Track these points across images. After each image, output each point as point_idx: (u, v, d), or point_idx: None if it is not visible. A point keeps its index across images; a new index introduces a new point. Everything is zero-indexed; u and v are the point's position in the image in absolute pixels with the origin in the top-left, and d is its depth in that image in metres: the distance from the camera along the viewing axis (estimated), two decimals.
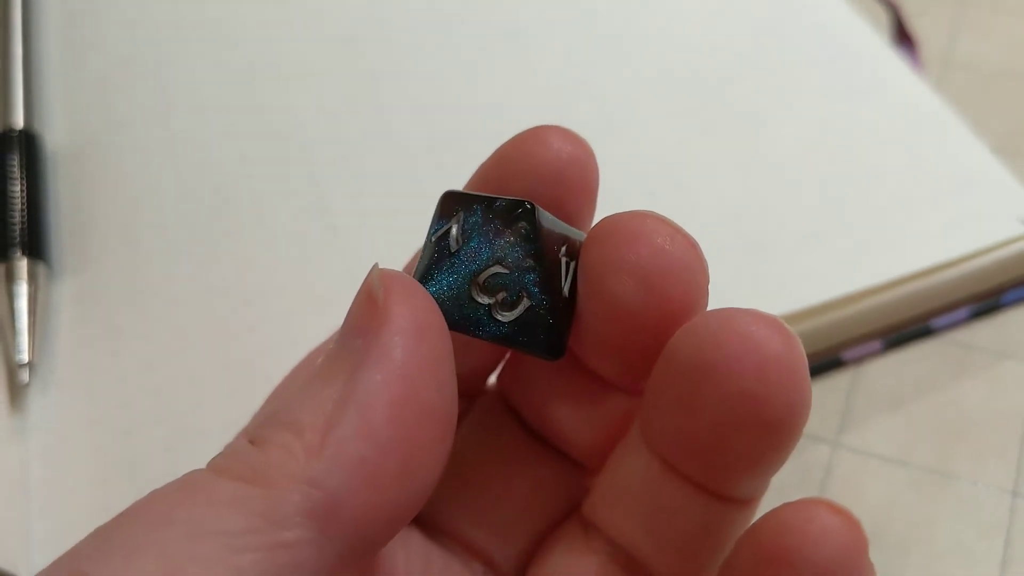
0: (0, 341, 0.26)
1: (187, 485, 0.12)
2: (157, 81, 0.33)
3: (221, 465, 0.12)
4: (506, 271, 0.14)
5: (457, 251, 0.14)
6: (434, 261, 0.15)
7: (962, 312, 0.28)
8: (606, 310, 0.14)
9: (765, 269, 0.27)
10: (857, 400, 0.27)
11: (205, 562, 0.11)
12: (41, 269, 0.27)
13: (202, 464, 0.25)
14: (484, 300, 0.14)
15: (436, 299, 0.14)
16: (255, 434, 0.12)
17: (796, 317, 0.26)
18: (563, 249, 0.15)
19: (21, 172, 0.29)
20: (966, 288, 0.28)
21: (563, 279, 0.15)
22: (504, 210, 0.14)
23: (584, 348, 0.15)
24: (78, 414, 0.25)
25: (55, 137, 0.31)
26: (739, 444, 0.13)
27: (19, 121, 0.30)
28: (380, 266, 0.13)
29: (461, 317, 0.14)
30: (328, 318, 0.27)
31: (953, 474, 0.25)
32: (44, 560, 0.23)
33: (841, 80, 0.33)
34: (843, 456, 0.26)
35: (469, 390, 0.18)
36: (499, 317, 0.14)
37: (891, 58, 0.34)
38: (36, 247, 0.27)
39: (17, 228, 0.27)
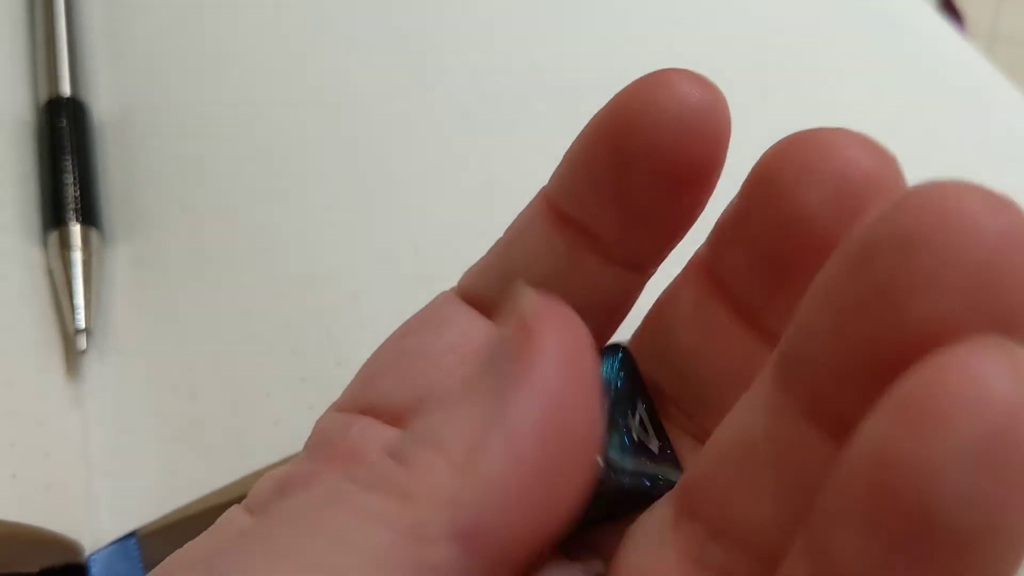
0: (56, 308, 0.26)
1: (332, 495, 0.12)
2: (203, 45, 0.33)
3: (364, 479, 0.12)
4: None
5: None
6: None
7: None
8: (787, 225, 0.13)
9: None
10: None
11: (349, 575, 0.11)
12: (94, 235, 0.27)
13: (266, 423, 0.24)
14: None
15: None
16: (396, 449, 0.12)
17: None
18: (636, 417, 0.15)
19: (71, 139, 0.28)
20: None
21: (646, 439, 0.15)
22: None
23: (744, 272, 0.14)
24: (137, 379, 0.25)
25: (102, 105, 0.31)
26: None
27: (66, 89, 0.30)
28: (527, 290, 0.13)
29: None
30: (388, 273, 0.27)
31: None
32: (108, 528, 0.22)
33: (895, 51, 0.33)
34: None
35: None
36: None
37: (945, 30, 0.34)
38: (89, 214, 0.27)
39: (71, 195, 0.27)
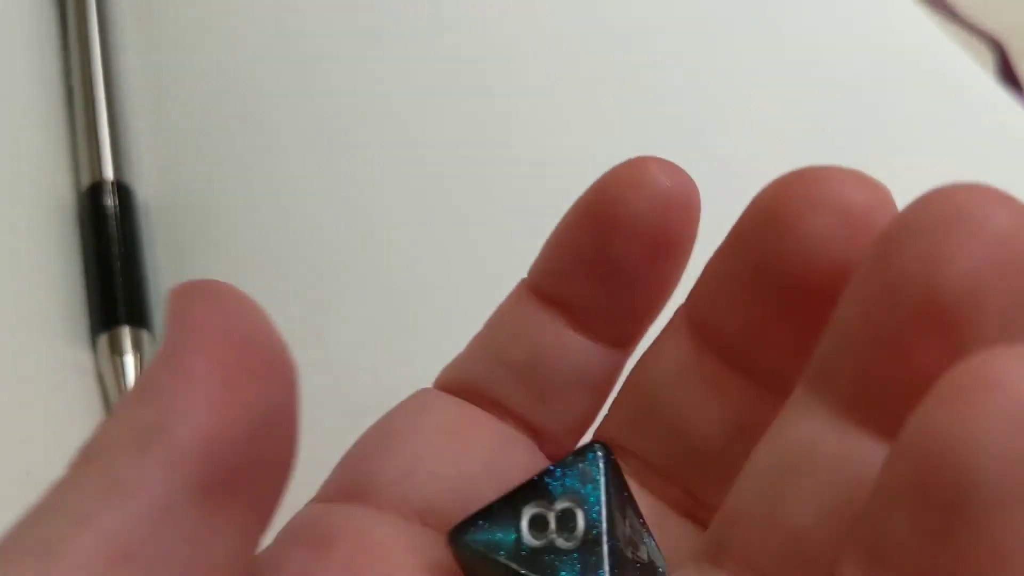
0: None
1: None
2: (250, 126, 0.31)
3: None
4: None
5: None
6: None
7: None
8: (792, 255, 0.14)
9: None
10: None
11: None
12: (145, 337, 0.25)
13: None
14: None
15: None
16: None
17: None
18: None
19: (117, 228, 0.27)
20: None
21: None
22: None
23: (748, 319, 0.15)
24: None
25: (146, 188, 0.29)
26: None
27: (109, 173, 0.28)
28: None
29: None
30: (450, 346, 0.26)
31: None
32: None
33: (952, 120, 0.32)
34: None
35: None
36: None
37: (1005, 99, 0.33)
38: (139, 314, 0.25)
39: (119, 294, 0.25)
